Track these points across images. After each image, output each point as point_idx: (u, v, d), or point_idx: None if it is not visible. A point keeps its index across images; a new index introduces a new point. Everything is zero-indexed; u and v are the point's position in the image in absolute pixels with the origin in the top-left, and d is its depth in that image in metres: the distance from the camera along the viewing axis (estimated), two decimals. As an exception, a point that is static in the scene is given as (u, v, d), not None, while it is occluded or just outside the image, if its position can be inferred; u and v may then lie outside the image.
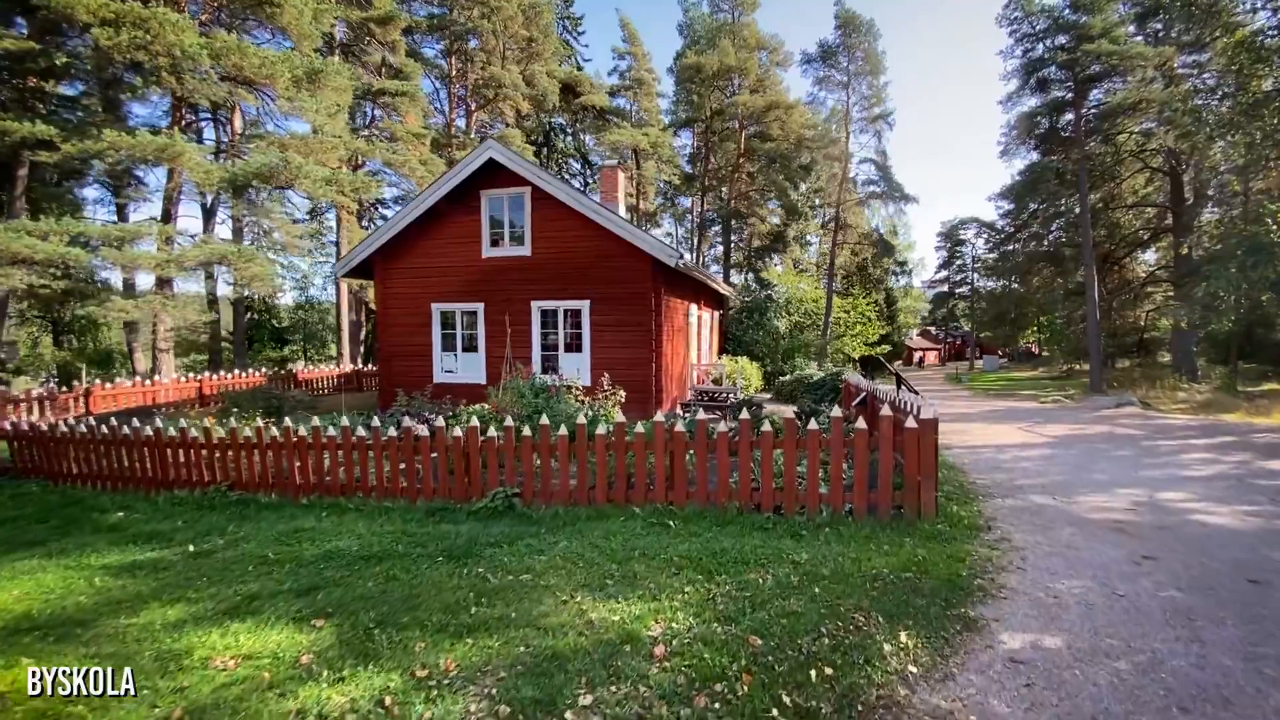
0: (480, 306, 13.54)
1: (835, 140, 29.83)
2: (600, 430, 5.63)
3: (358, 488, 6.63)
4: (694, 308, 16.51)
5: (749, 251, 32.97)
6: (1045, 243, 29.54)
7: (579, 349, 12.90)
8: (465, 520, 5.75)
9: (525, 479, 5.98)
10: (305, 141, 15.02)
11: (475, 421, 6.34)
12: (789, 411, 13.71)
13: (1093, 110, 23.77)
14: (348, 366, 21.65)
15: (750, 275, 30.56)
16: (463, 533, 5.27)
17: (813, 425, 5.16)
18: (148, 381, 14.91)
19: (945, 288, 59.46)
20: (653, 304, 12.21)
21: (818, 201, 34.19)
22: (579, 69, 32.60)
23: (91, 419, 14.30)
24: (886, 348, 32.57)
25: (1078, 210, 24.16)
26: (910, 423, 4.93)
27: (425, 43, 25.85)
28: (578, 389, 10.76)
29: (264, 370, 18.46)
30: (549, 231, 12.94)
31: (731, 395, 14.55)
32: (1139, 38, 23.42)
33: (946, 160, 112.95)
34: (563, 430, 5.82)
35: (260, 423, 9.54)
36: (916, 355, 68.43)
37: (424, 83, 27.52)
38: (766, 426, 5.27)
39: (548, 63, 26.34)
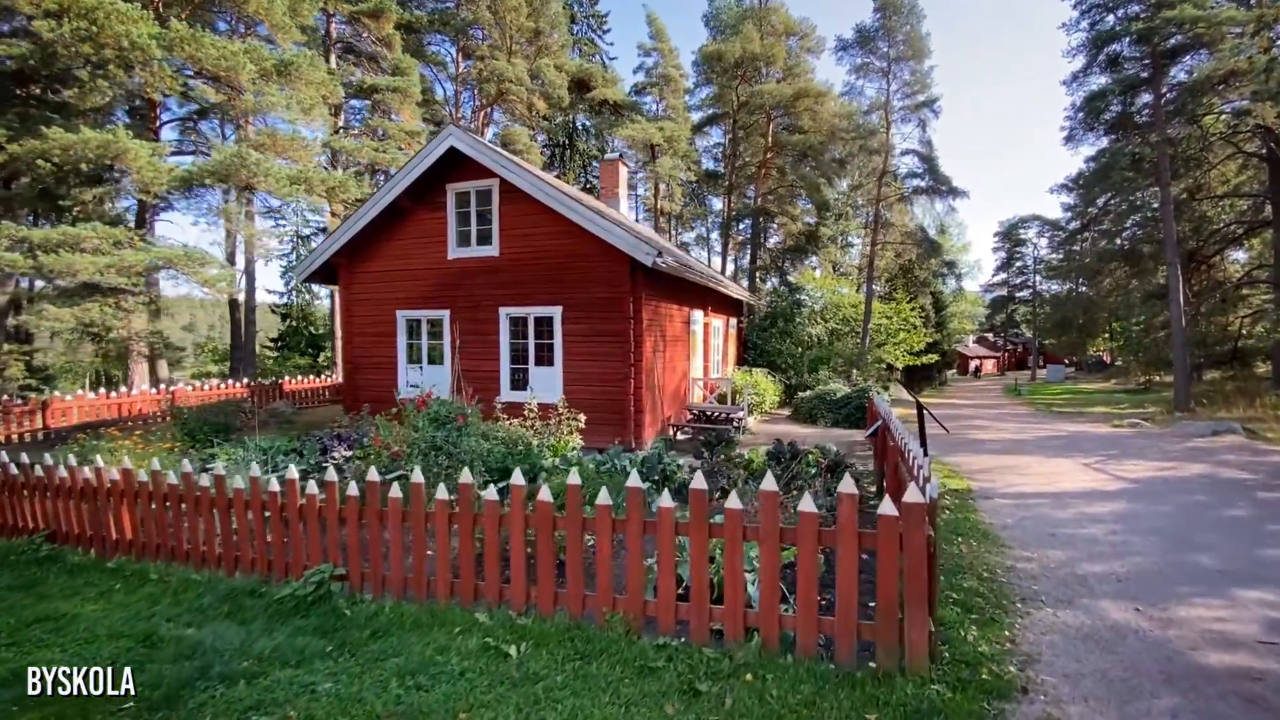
0: (446, 314, 12.09)
1: (874, 131, 27.27)
2: (516, 480, 3.87)
3: (173, 550, 5.12)
4: (697, 314, 14.61)
5: (778, 253, 30.63)
6: (1119, 240, 26.08)
7: (550, 362, 11.24)
8: (260, 615, 4.12)
9: (350, 556, 4.30)
10: (274, 138, 14.08)
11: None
12: (803, 435, 11.43)
13: (1174, 88, 20.51)
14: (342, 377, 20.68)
15: (778, 279, 28.26)
16: (230, 641, 3.64)
17: (733, 502, 3.27)
18: (113, 394, 14.15)
19: (1004, 291, 55.06)
20: (631, 309, 10.42)
21: (860, 202, 31.58)
22: (604, 67, 31.19)
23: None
24: (934, 357, 29.56)
25: (1157, 203, 20.94)
26: (887, 507, 2.98)
27: (436, 41, 25.04)
28: (532, 410, 9.08)
29: (246, 381, 17.56)
30: (519, 229, 11.37)
31: (734, 415, 12.57)
32: (1228, 2, 20.07)
33: (1004, 153, 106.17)
34: (395, 491, 4.12)
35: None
36: (973, 364, 63.92)
37: (440, 83, 26.83)
38: (665, 500, 3.41)
39: (557, 56, 24.97)
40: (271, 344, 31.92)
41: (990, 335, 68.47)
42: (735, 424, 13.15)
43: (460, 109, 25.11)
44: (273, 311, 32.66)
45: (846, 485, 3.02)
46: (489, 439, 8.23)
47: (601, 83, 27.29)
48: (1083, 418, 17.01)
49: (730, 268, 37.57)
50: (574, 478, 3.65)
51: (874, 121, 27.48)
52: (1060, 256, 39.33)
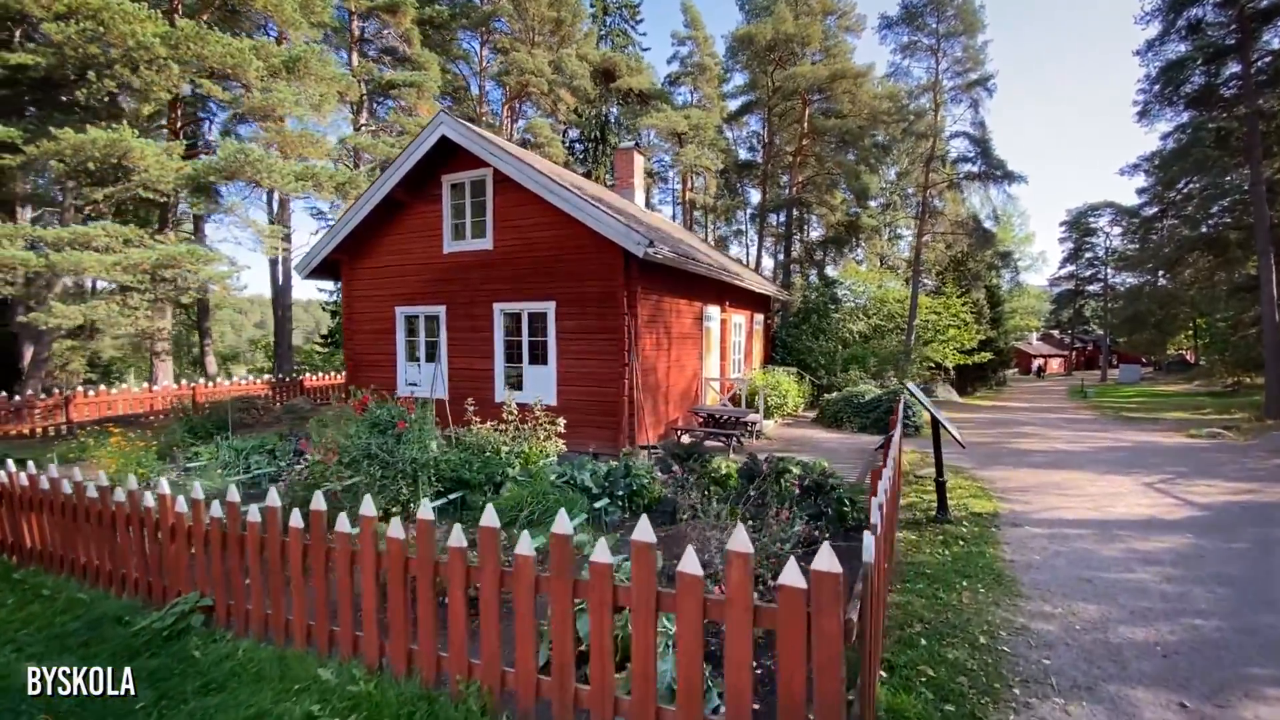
0: (442, 310, 11.66)
1: (920, 113, 25.43)
2: (366, 510, 3.24)
3: (73, 564, 4.74)
4: (712, 310, 13.70)
5: (815, 246, 29.05)
6: (1202, 226, 23.36)
7: (544, 360, 10.62)
8: (109, 650, 3.62)
9: (216, 587, 3.75)
10: (281, 134, 14.04)
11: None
12: (823, 441, 10.30)
13: (1266, 55, 18.00)
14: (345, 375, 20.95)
15: (814, 273, 26.75)
16: (44, 686, 3.15)
17: (600, 553, 2.48)
18: (135, 389, 14.47)
19: (1071, 285, 51.08)
20: (625, 304, 9.66)
21: (909, 190, 29.67)
22: (637, 58, 30.38)
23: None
24: (987, 355, 27.46)
25: (1247, 184, 18.49)
26: (791, 575, 2.13)
27: (465, 37, 24.86)
28: (512, 413, 8.46)
29: (268, 378, 17.79)
30: (511, 220, 10.79)
31: (745, 419, 11.64)
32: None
33: (1071, 135, 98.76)
34: (253, 514, 3.52)
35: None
36: (1036, 363, 59.93)
37: (474, 79, 26.65)
38: (524, 547, 2.65)
39: (580, 46, 24.30)
40: (322, 340, 32.75)
41: (1056, 332, 63.97)
42: (749, 428, 12.22)
43: (486, 105, 24.85)
44: (323, 309, 33.55)
45: (738, 540, 2.19)
46: (459, 444, 7.69)
47: (627, 72, 26.44)
48: (1154, 425, 15.12)
49: (768, 261, 36.17)
50: (488, 516, 2.93)
51: (921, 103, 25.64)
52: (1135, 245, 35.91)
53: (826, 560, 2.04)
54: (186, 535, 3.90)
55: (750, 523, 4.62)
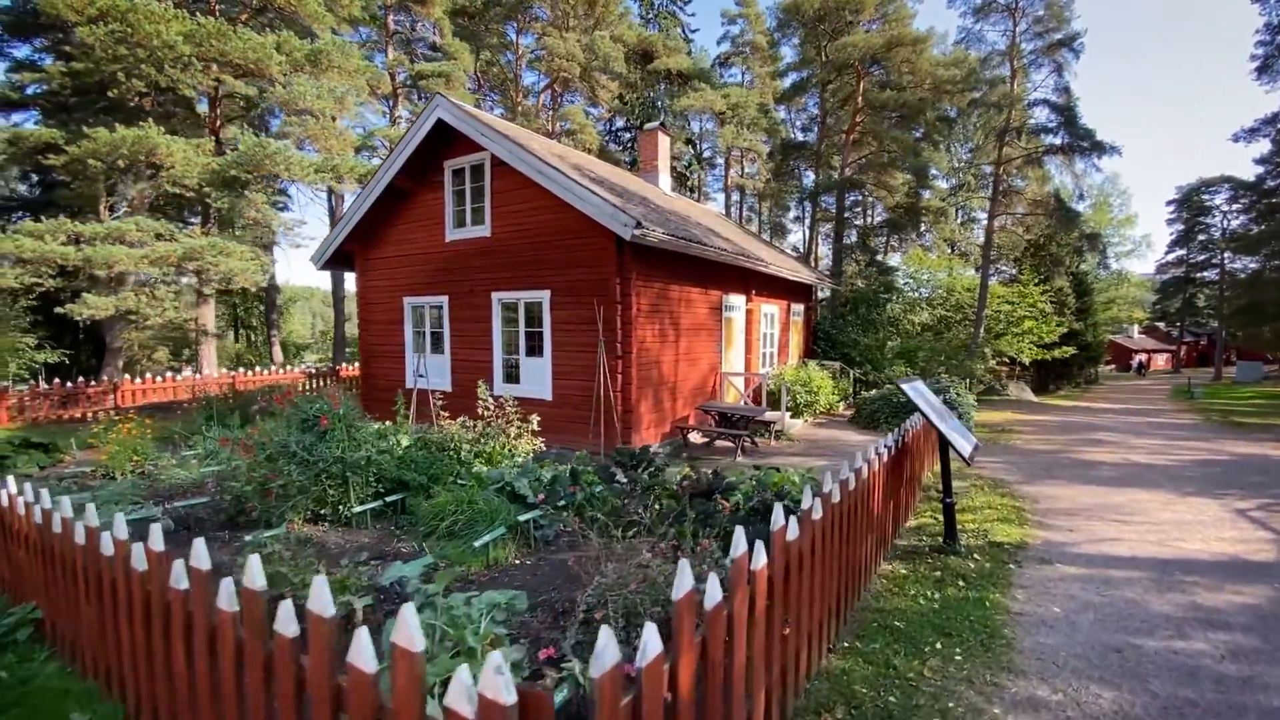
0: (444, 300, 11.36)
1: (995, 82, 22.95)
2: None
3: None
4: (735, 299, 12.71)
5: (870, 230, 26.97)
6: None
7: (540, 352, 10.07)
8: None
9: (41, 596, 3.39)
10: (304, 127, 14.25)
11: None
12: (853, 443, 8.48)
13: None
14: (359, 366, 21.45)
15: (865, 259, 24.73)
16: None
17: (360, 652, 1.78)
18: (178, 377, 15.18)
19: (1180, 272, 45.39)
20: (618, 292, 8.93)
21: (987, 168, 27.05)
22: (677, 38, 29.25)
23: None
24: (1068, 350, 24.66)
25: None
26: (455, 696, 1.36)
27: (510, 27, 24.66)
28: (488, 409, 7.94)
29: (303, 368, 18.31)
30: (510, 205, 10.29)
31: (760, 417, 10.65)
32: None
33: (1182, 104, 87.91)
34: (79, 536, 3.09)
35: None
36: (1136, 358, 54.09)
37: (514, 69, 26.50)
38: (286, 624, 1.99)
39: (616, 27, 23.46)
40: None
41: (1161, 325, 57.38)
42: (767, 428, 11.21)
43: (527, 94, 24.52)
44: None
45: (401, 632, 1.44)
46: (423, 442, 7.23)
47: (664, 52, 25.33)
48: (1267, 434, 12.77)
49: (825, 250, 34.24)
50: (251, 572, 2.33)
51: (997, 71, 23.12)
52: (1262, 226, 31.20)
53: (490, 683, 1.27)
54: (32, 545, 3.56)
55: (665, 546, 3.81)
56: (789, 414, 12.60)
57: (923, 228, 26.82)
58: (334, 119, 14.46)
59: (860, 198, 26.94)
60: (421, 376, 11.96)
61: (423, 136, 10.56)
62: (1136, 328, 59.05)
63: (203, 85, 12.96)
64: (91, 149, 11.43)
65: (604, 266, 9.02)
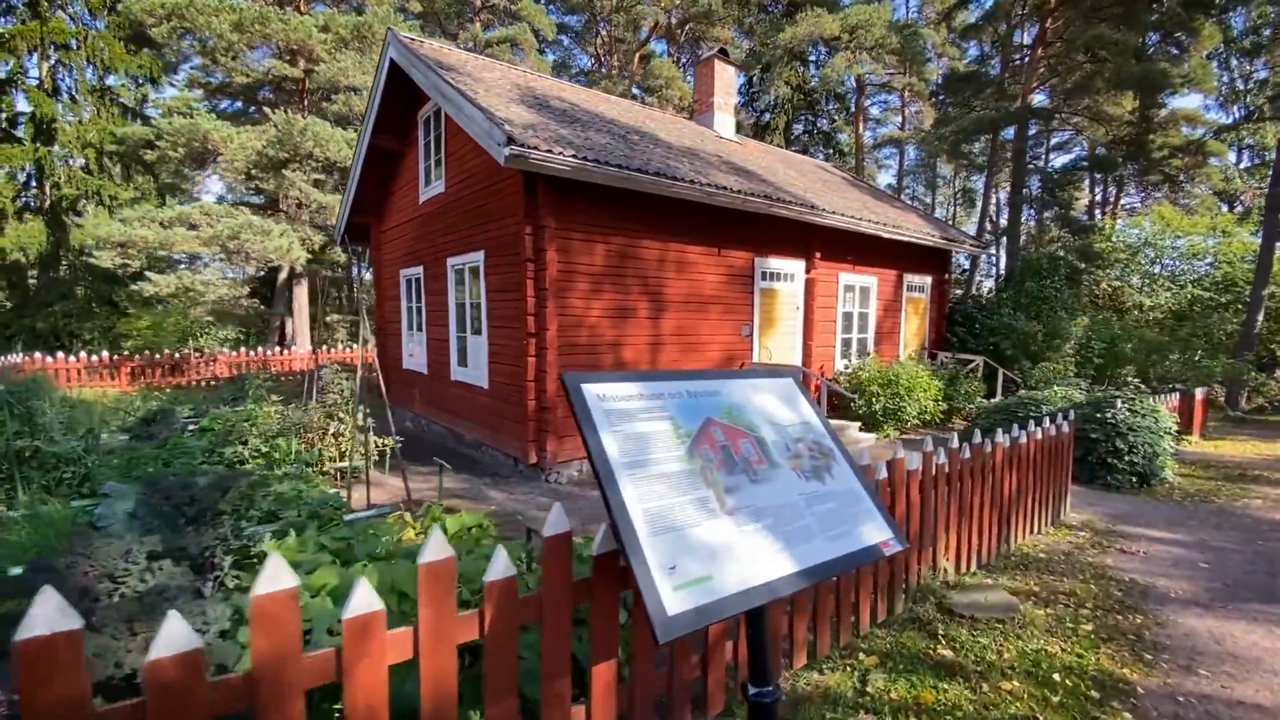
0: (420, 270, 10.06)
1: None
2: None
3: None
4: (781, 263, 9.43)
5: (1059, 178, 19.61)
6: None
7: (480, 329, 8.16)
8: None
9: None
10: (348, 103, 14.09)
11: None
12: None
13: None
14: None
15: (1053, 216, 17.85)
16: None
17: None
18: (267, 353, 16.46)
19: None
20: (528, 246, 6.59)
21: (1253, 80, 18.03)
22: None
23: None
24: None
25: None
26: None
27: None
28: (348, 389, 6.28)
29: (371, 347, 18.87)
30: (457, 152, 8.51)
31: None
32: None
33: None
34: None
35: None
36: None
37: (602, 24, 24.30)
38: None
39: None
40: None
41: None
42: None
43: (609, 53, 22.28)
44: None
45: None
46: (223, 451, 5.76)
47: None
48: None
49: (998, 198, 26.64)
50: None
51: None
52: None
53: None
54: None
55: None
56: (858, 426, 8.97)
57: (1152, 172, 18.93)
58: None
59: (1023, 133, 19.70)
60: (411, 357, 10.89)
61: (383, 84, 9.26)
62: None
63: (250, 71, 13.65)
64: (144, 133, 12.63)
65: (513, 213, 6.75)
